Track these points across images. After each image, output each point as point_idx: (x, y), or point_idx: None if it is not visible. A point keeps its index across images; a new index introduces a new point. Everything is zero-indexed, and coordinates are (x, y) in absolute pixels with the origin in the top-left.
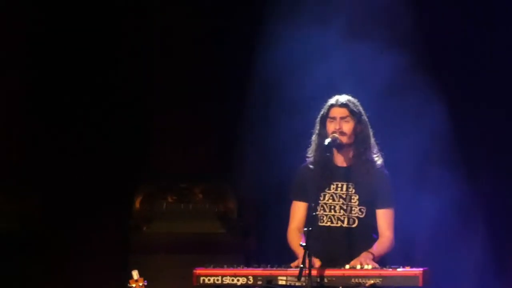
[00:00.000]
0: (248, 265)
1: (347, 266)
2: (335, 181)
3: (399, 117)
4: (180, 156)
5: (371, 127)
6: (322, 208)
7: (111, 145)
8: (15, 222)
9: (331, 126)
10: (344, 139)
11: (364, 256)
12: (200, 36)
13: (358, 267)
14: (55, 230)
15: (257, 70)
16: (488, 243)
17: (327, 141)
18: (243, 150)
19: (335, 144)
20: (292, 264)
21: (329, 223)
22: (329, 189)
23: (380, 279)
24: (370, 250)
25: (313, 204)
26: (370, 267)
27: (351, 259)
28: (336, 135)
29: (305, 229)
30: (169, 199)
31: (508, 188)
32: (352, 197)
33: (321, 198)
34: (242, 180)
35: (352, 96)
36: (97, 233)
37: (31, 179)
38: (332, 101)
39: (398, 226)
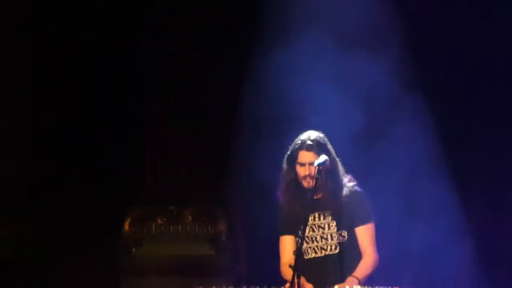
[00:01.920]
0: (237, 287)
1: (336, 287)
2: (312, 213)
3: (390, 130)
4: (171, 180)
5: (346, 151)
6: (305, 242)
7: (102, 169)
8: (9, 246)
9: (301, 171)
10: (313, 183)
11: (349, 282)
12: (194, 66)
13: (347, 287)
14: (48, 254)
15: (247, 94)
16: (479, 264)
17: (316, 162)
18: (233, 172)
19: (324, 165)
20: None
21: (313, 255)
22: (308, 222)
23: None
24: (354, 274)
25: (297, 239)
26: (358, 287)
27: None
28: (325, 156)
29: (293, 250)
30: (159, 221)
31: (499, 204)
32: (330, 224)
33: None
34: (232, 202)
35: (319, 132)
36: (88, 256)
37: (23, 203)
38: (298, 143)
39: (389, 247)
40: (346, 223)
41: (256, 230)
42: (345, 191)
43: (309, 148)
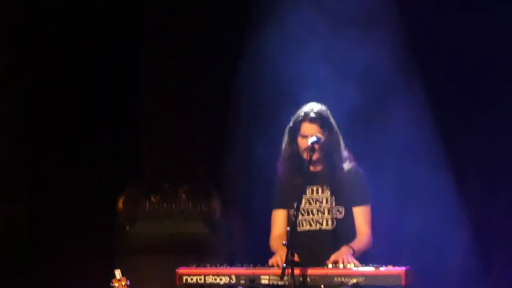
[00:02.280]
0: (232, 265)
1: (330, 266)
2: (310, 186)
3: (385, 113)
4: (165, 158)
5: (341, 133)
6: (300, 213)
7: (98, 148)
8: (2, 225)
9: (303, 143)
10: (316, 156)
11: (344, 251)
12: (189, 45)
13: (341, 266)
14: (43, 233)
15: (242, 75)
16: (472, 244)
17: (310, 140)
18: (228, 151)
19: (319, 143)
20: (270, 261)
21: (308, 227)
22: (305, 194)
23: (363, 278)
24: (351, 244)
25: (292, 211)
26: (352, 265)
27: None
28: (319, 134)
29: (288, 228)
30: (153, 199)
31: (493, 190)
32: (328, 199)
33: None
34: (226, 180)
35: (322, 104)
36: (83, 235)
37: (17, 182)
38: (301, 114)
39: (384, 225)
40: (345, 200)
41: (250, 208)
42: (346, 167)
43: (312, 120)
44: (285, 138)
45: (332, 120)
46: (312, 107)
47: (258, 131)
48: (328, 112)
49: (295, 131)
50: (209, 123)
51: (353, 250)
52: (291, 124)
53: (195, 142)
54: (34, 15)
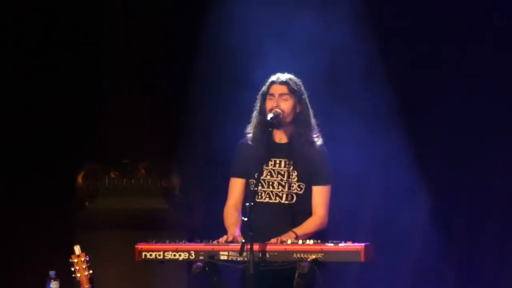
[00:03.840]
0: (191, 241)
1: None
2: (273, 157)
3: (345, 93)
4: (125, 133)
5: (312, 107)
6: (260, 184)
7: (56, 124)
8: None
9: (269, 103)
10: (278, 129)
11: (286, 236)
12: (148, 20)
13: (289, 241)
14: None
15: (203, 47)
16: (434, 221)
17: (269, 116)
18: (189, 126)
19: (277, 119)
20: (221, 239)
21: (267, 199)
22: (267, 165)
23: (322, 254)
24: (295, 229)
25: (252, 181)
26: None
27: None
28: (278, 110)
29: (247, 204)
30: (112, 175)
31: (454, 165)
32: (291, 173)
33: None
34: (186, 156)
35: (295, 76)
36: (41, 211)
37: None
38: (273, 78)
39: (344, 202)
40: (307, 177)
41: (210, 184)
42: (312, 147)
43: (282, 82)
44: (257, 104)
45: (303, 89)
46: (286, 74)
47: (218, 107)
48: (302, 84)
49: (265, 94)
50: (169, 99)
51: (296, 235)
52: (263, 88)
53: (155, 117)
54: None
